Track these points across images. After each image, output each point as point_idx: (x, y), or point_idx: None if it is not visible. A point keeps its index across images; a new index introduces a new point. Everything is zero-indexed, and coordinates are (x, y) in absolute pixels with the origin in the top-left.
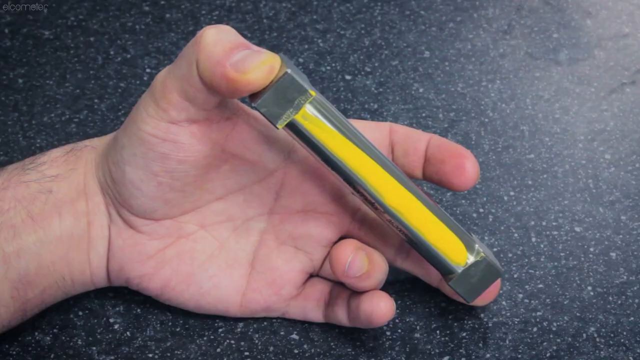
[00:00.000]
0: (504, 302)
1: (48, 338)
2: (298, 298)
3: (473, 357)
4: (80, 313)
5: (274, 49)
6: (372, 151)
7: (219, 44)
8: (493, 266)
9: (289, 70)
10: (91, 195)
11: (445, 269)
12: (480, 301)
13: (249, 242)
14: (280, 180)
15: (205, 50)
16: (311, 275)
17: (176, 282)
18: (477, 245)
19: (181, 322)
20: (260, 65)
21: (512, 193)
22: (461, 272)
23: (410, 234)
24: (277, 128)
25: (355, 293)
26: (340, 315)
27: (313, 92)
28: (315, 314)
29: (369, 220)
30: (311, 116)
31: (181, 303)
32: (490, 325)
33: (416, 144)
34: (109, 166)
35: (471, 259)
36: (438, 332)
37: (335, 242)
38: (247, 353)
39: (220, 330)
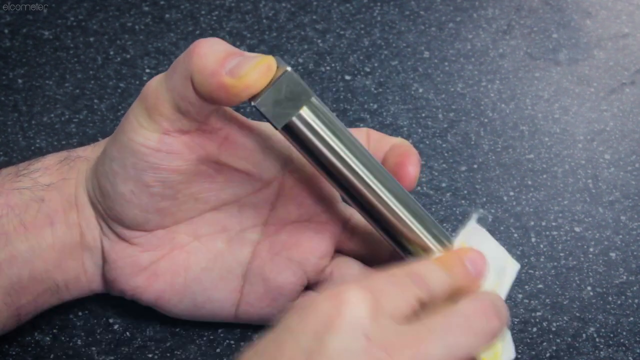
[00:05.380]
0: None
1: (48, 338)
2: None
3: None
4: (80, 313)
5: (273, 49)
6: (366, 157)
7: (212, 55)
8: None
9: (289, 68)
10: (81, 208)
11: None
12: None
13: (243, 253)
14: (276, 191)
15: (199, 63)
16: (309, 289)
17: (170, 294)
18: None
19: (181, 322)
20: (256, 66)
21: (511, 193)
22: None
23: (403, 245)
24: (276, 128)
25: None
26: None
27: (312, 93)
28: None
29: (359, 230)
30: (308, 119)
31: (176, 314)
32: None
33: (383, 148)
34: (99, 180)
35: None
36: None
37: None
38: None
39: (219, 330)
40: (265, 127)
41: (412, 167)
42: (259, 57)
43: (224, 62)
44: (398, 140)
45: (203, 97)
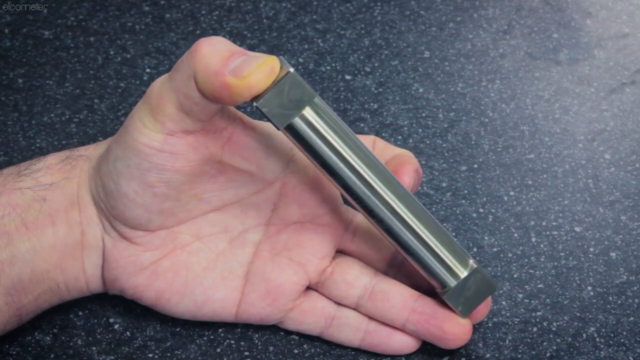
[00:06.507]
0: (504, 302)
1: (48, 338)
2: (294, 311)
3: (473, 357)
4: (80, 313)
5: (273, 49)
6: (369, 158)
7: (215, 54)
8: (487, 280)
9: (291, 70)
10: (84, 207)
11: (439, 282)
12: (473, 318)
13: (245, 253)
14: (278, 192)
15: (202, 62)
16: (311, 289)
17: (171, 294)
18: (471, 261)
19: (181, 322)
20: (260, 67)
21: (512, 193)
22: (455, 286)
23: (405, 244)
24: (278, 129)
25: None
26: (350, 338)
27: (314, 94)
28: (312, 329)
29: (361, 232)
30: (311, 119)
31: (176, 314)
32: (490, 325)
33: (386, 157)
34: (102, 179)
35: (465, 273)
36: None
37: (329, 254)
38: (247, 353)
39: (220, 330)
40: (268, 127)
41: (406, 177)
42: (263, 58)
43: (227, 62)
44: (401, 150)
45: (206, 96)
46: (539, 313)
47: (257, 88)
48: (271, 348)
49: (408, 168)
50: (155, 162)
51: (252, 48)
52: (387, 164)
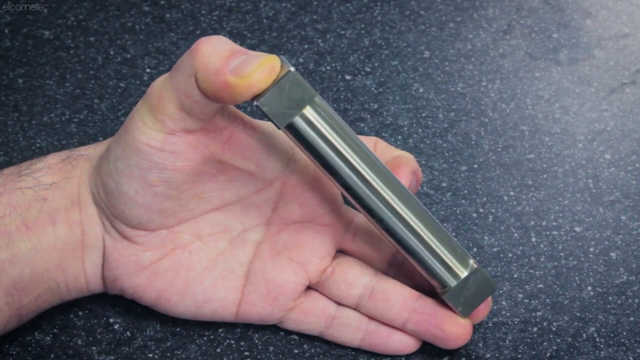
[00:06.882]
0: (504, 302)
1: (48, 338)
2: (295, 311)
3: (473, 357)
4: (80, 313)
5: (274, 49)
6: (369, 158)
7: (215, 53)
8: (487, 280)
9: (292, 69)
10: (84, 206)
11: (439, 282)
12: (473, 319)
13: (245, 253)
14: (279, 191)
15: (202, 61)
16: (311, 289)
17: (171, 293)
18: (471, 261)
19: (181, 322)
20: (260, 66)
21: (512, 193)
22: (455, 286)
23: (405, 244)
24: (279, 128)
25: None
26: (350, 338)
27: (315, 93)
28: (312, 329)
29: (362, 232)
30: (312, 118)
31: (176, 314)
32: (490, 325)
33: (386, 158)
34: (102, 179)
35: (465, 273)
36: None
37: (329, 254)
38: (247, 353)
39: (220, 330)
40: (269, 126)
41: (403, 178)
42: (263, 57)
43: (228, 61)
44: (401, 152)
45: (207, 95)
46: (539, 313)
47: (258, 87)
48: (271, 348)
49: (405, 169)
50: (156, 161)
51: (252, 48)
52: (386, 165)
